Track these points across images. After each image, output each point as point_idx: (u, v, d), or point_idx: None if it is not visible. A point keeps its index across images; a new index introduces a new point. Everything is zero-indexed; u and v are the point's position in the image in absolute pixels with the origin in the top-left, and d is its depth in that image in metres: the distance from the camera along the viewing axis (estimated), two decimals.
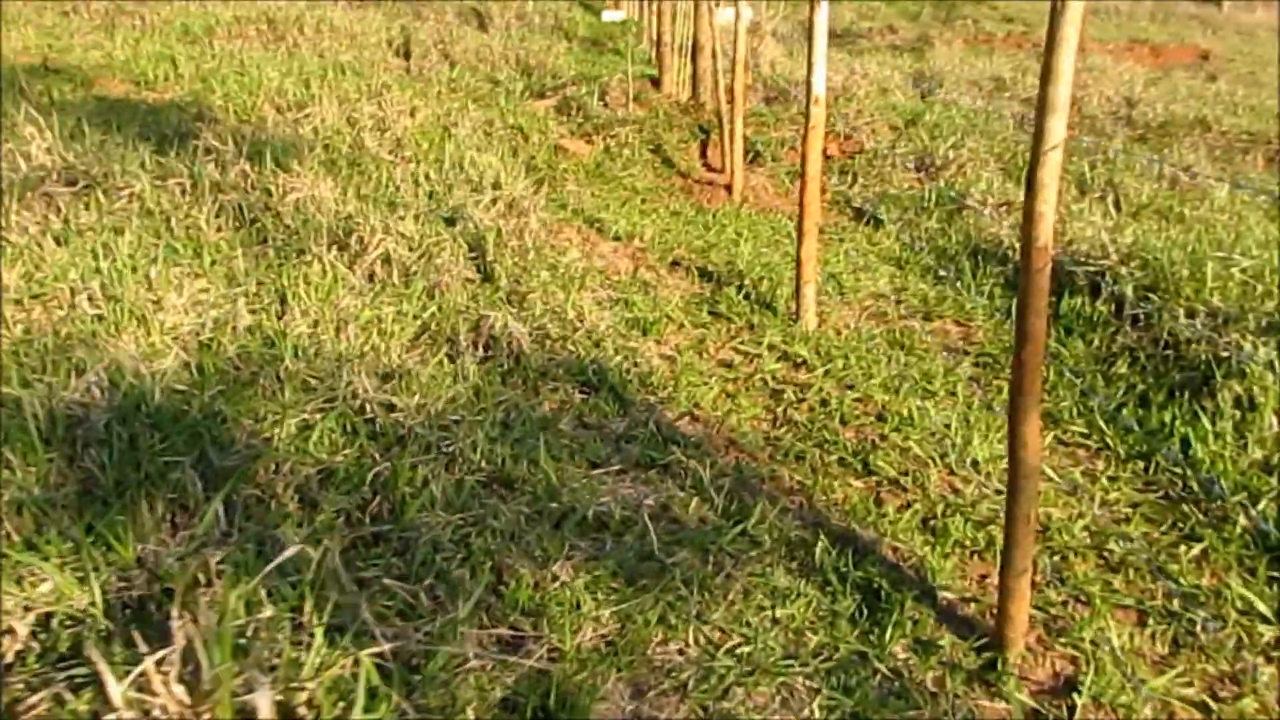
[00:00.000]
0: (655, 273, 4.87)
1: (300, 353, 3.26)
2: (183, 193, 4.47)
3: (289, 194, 4.62)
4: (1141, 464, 3.37)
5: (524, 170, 5.90)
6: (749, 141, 7.16)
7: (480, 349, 3.60)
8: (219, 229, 4.29)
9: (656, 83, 9.94)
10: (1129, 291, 4.37)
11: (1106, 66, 12.84)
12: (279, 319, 3.56)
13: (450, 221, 4.45)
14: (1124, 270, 4.53)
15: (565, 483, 2.82)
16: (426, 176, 5.09)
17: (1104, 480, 3.27)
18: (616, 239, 5.28)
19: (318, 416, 2.90)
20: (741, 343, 4.18)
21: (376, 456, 2.78)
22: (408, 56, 12.03)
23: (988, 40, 22.38)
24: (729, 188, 6.60)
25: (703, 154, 7.26)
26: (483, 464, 2.81)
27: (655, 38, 10.95)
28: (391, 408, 2.97)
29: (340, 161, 5.25)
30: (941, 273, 5.28)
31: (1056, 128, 2.13)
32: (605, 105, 7.51)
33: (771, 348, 4.11)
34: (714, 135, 7.33)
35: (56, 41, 8.27)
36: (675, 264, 5.05)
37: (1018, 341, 2.24)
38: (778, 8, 18.02)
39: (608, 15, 20.31)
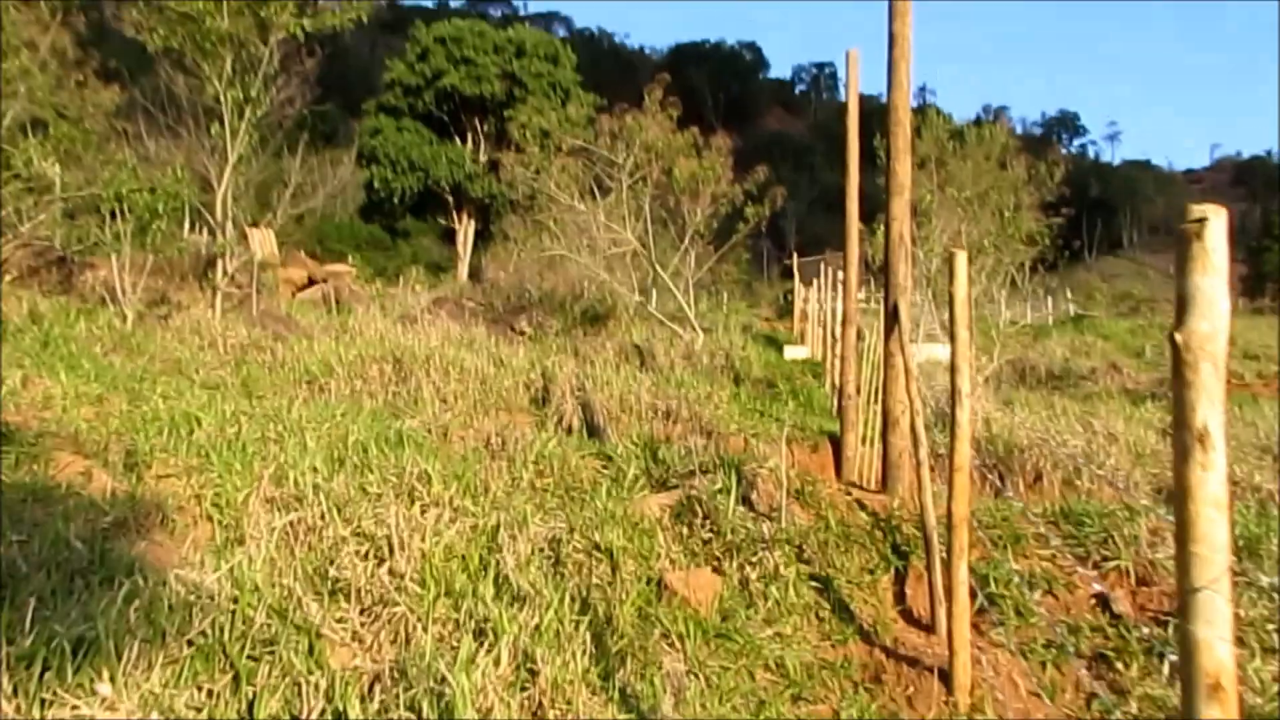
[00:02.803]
0: None
1: None
2: None
3: None
4: None
5: (585, 642, 3.42)
6: (975, 575, 4.47)
7: None
8: None
9: (838, 447, 7.59)
10: None
11: None
12: None
13: None
14: None
15: None
16: (368, 690, 2.67)
17: None
18: None
19: None
20: None
21: None
22: (544, 405, 10.36)
23: (1242, 384, 18.95)
24: (944, 673, 3.86)
25: (898, 593, 4.58)
26: None
27: (838, 385, 8.76)
28: None
29: (236, 646, 2.95)
30: None
31: None
32: (749, 507, 5.06)
33: None
34: (915, 560, 4.69)
35: (91, 389, 6.63)
36: None
37: None
38: (984, 342, 15.62)
39: (790, 352, 18.60)
